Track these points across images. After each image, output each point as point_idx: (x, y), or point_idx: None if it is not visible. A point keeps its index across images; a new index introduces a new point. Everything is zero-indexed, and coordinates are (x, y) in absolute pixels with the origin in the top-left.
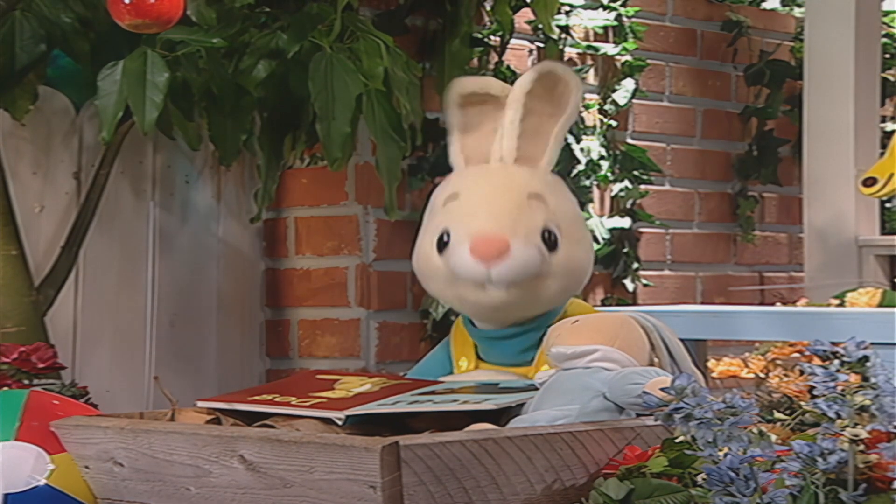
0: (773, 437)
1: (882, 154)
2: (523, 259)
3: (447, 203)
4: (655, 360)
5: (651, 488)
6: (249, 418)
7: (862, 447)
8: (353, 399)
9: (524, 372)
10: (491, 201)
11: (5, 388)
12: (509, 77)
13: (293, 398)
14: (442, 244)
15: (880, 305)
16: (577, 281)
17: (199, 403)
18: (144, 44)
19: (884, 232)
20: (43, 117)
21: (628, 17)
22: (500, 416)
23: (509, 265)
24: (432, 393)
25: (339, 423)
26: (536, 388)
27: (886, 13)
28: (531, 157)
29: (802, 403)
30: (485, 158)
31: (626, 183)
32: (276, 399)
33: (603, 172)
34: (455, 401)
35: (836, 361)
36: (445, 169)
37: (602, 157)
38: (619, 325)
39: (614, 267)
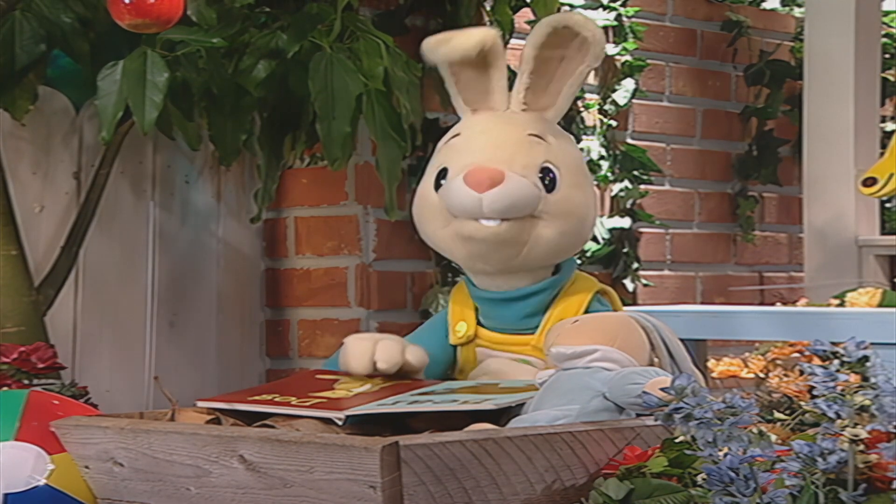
0: (773, 437)
1: (882, 154)
2: (517, 188)
3: (448, 142)
4: (655, 360)
5: (651, 488)
6: (249, 418)
7: (862, 447)
8: (353, 399)
9: (526, 340)
10: (490, 137)
11: (5, 388)
12: (509, 77)
13: (293, 398)
14: (440, 181)
15: (880, 305)
16: (577, 226)
17: (199, 403)
18: (144, 44)
19: (884, 232)
20: (43, 117)
21: (628, 17)
22: (500, 416)
23: (501, 192)
24: (432, 393)
25: (339, 423)
26: (536, 388)
27: (886, 13)
28: (539, 108)
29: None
30: (490, 106)
31: (626, 183)
32: (276, 399)
33: (603, 172)
34: (455, 401)
35: (836, 361)
36: None
37: (602, 157)
38: (619, 325)
39: (614, 267)
